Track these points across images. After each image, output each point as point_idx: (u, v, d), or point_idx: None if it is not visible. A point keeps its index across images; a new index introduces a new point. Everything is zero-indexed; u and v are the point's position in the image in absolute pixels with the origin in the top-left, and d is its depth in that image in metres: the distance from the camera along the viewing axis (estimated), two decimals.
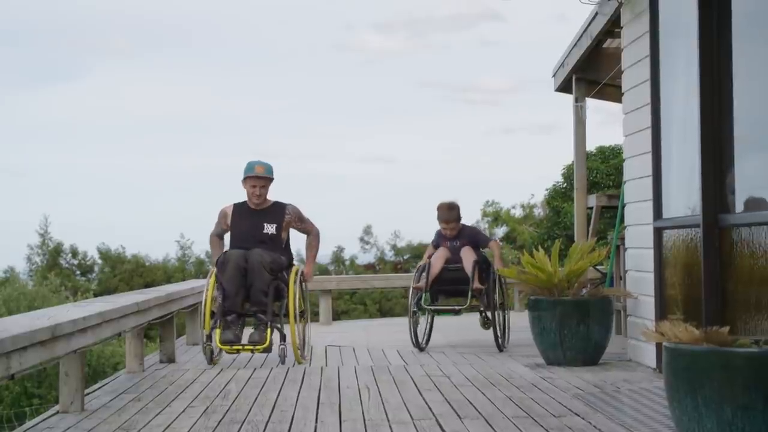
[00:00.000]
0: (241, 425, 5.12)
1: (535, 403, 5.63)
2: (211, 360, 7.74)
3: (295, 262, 8.37)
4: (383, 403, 5.74)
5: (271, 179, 8.16)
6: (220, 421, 5.26)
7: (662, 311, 6.63)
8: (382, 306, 29.24)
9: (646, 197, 7.03)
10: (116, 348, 20.29)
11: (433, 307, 8.73)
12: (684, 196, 6.43)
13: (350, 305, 30.35)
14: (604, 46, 9.34)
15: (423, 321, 9.01)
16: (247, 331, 7.86)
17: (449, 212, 8.94)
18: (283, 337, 7.72)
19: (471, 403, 5.71)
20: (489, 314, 8.62)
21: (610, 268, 9.56)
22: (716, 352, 3.86)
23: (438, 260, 8.75)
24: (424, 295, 8.59)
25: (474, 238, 9.02)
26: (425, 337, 8.91)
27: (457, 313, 8.77)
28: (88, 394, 6.25)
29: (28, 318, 5.30)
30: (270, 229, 8.03)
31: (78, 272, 34.47)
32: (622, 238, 8.68)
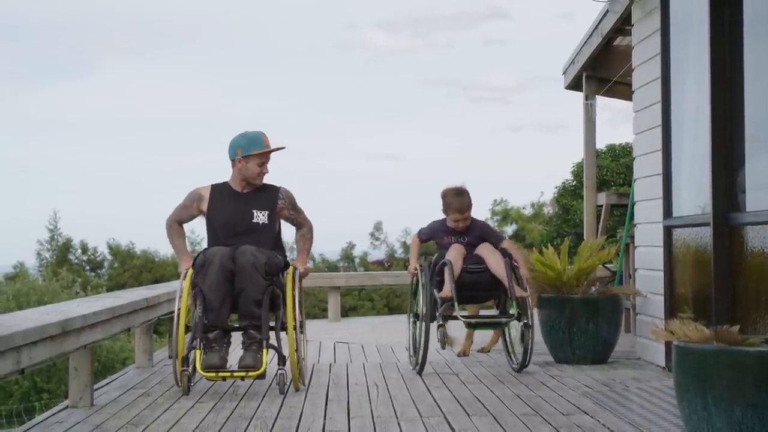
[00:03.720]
0: (250, 421, 5.12)
1: (544, 401, 5.62)
2: (188, 390, 5.99)
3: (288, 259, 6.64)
4: (392, 400, 5.74)
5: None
6: (229, 417, 5.26)
7: (672, 310, 6.62)
8: (390, 302, 29.28)
9: (656, 195, 7.02)
10: (125, 343, 20.34)
11: (474, 320, 6.94)
12: (694, 195, 6.41)
13: (358, 302, 30.41)
14: (615, 43, 9.32)
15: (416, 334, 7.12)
16: (234, 353, 6.20)
17: (462, 199, 7.00)
18: (281, 360, 5.96)
19: (479, 400, 5.71)
20: (523, 325, 6.68)
21: (619, 267, 9.54)
22: (726, 351, 3.85)
23: (457, 260, 6.84)
24: (455, 305, 6.63)
25: (484, 235, 7.18)
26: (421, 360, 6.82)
27: (500, 326, 7.01)
28: (97, 389, 6.26)
29: (38, 313, 5.31)
30: (260, 216, 6.32)
31: (88, 268, 34.59)
32: (632, 237, 8.66)
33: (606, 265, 10.05)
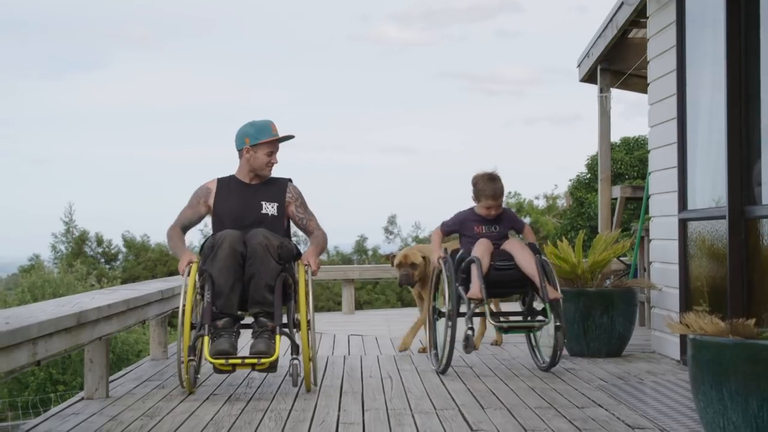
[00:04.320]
0: (264, 413, 5.14)
1: (558, 394, 5.62)
2: (194, 382, 5.74)
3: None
4: (406, 393, 5.74)
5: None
6: (243, 409, 5.28)
7: (687, 303, 6.60)
8: (403, 297, 29.27)
9: (671, 188, 7.00)
10: (140, 335, 20.41)
11: (506, 324, 6.54)
12: (709, 188, 6.39)
13: (373, 295, 30.42)
14: (630, 36, 9.28)
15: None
16: (243, 349, 6.04)
17: (495, 184, 6.60)
18: (295, 349, 5.66)
19: (494, 393, 5.71)
20: (555, 327, 6.27)
21: (634, 260, 9.53)
22: (742, 344, 3.83)
23: (484, 256, 6.40)
24: (486, 307, 6.27)
25: (513, 222, 6.85)
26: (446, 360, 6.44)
27: (533, 330, 6.56)
28: (112, 380, 6.29)
29: (54, 305, 5.34)
30: (269, 208, 6.07)
31: (103, 260, 34.69)
32: (647, 230, 8.64)
33: (621, 258, 10.03)
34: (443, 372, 6.40)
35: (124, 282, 25.76)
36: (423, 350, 7.75)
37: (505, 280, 6.48)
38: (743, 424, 3.74)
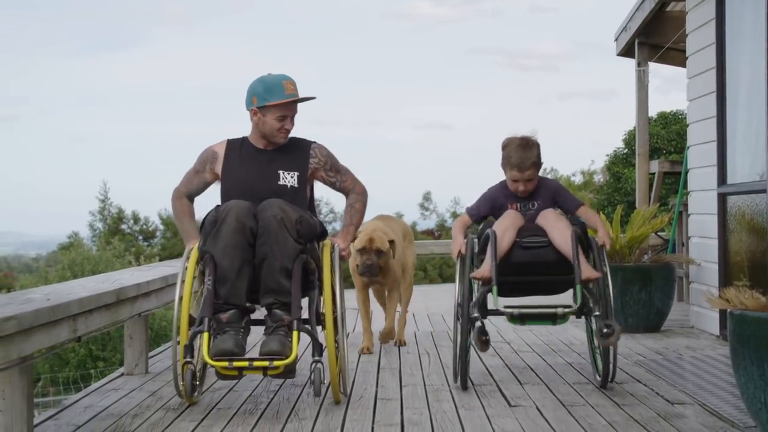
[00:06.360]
0: (303, 388, 5.15)
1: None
2: (192, 390, 4.57)
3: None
4: (443, 369, 5.75)
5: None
6: (282, 383, 5.30)
7: (726, 278, 6.55)
8: (443, 272, 29.29)
9: (710, 163, 6.93)
10: None
11: (518, 309, 4.89)
12: (749, 162, 6.33)
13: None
14: (668, 9, 9.19)
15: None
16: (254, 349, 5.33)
17: (524, 152, 5.21)
18: (318, 349, 4.54)
19: (532, 369, 5.70)
20: (603, 323, 4.77)
21: (672, 235, 9.46)
22: None
23: (508, 230, 5.07)
24: (493, 289, 4.87)
25: (557, 198, 5.38)
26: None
27: (555, 321, 4.94)
28: (152, 356, 6.34)
29: (94, 281, 5.38)
30: (288, 178, 4.92)
31: (141, 237, 34.95)
32: (685, 204, 8.58)
33: (659, 234, 9.96)
34: (463, 387, 5.10)
35: (161, 260, 25.93)
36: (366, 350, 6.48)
37: (535, 262, 5.09)
38: None
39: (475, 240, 5.27)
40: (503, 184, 5.39)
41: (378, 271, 6.27)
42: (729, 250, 6.65)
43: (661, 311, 7.24)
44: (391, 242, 6.34)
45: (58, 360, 19.46)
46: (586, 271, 4.91)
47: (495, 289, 4.86)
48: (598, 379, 5.09)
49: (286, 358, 4.38)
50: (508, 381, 5.32)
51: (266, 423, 4.42)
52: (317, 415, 4.49)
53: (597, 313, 4.89)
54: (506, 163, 5.26)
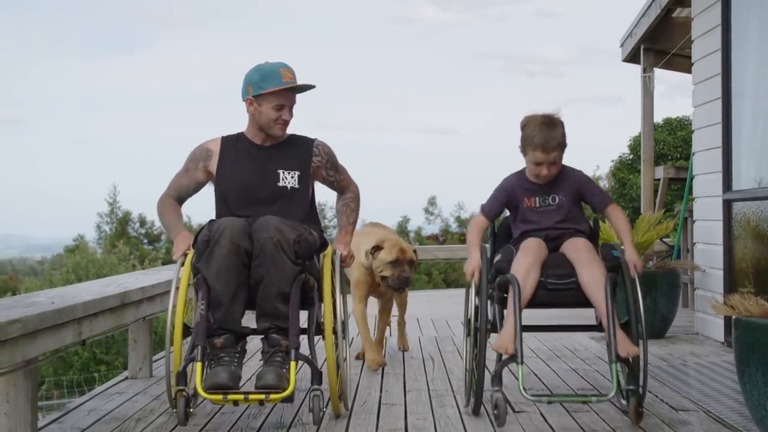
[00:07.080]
0: (308, 392, 5.15)
1: (601, 375, 5.60)
2: (186, 416, 4.19)
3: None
4: (448, 374, 5.75)
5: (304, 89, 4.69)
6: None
7: (731, 284, 6.55)
8: (448, 276, 29.27)
9: (715, 169, 6.93)
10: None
11: (547, 398, 4.31)
12: (754, 168, 6.33)
13: (415, 275, 30.45)
14: (674, 15, 9.19)
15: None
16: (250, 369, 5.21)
17: (549, 132, 4.51)
18: (317, 377, 4.29)
19: (535, 374, 5.69)
20: (628, 392, 4.27)
21: (677, 241, 9.45)
22: None
23: (531, 271, 4.39)
24: (519, 369, 4.18)
25: (583, 191, 4.69)
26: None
27: (586, 402, 4.54)
28: (156, 360, 6.34)
29: (99, 285, 5.39)
30: (289, 179, 4.65)
31: (145, 241, 34.98)
32: (690, 210, 8.57)
33: (664, 240, 9.95)
34: (475, 412, 4.63)
35: (165, 263, 25.95)
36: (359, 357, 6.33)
37: (559, 303, 4.54)
38: None
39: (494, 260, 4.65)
40: (519, 174, 4.74)
41: (408, 283, 5.90)
42: (734, 257, 6.64)
43: (666, 317, 7.23)
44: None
45: (62, 363, 19.48)
46: (624, 345, 4.22)
47: (521, 369, 4.13)
48: (623, 402, 4.51)
49: (283, 391, 4.12)
50: (512, 387, 5.30)
51: (270, 428, 4.43)
52: (321, 421, 4.48)
53: (631, 386, 4.25)
54: (527, 144, 4.55)
